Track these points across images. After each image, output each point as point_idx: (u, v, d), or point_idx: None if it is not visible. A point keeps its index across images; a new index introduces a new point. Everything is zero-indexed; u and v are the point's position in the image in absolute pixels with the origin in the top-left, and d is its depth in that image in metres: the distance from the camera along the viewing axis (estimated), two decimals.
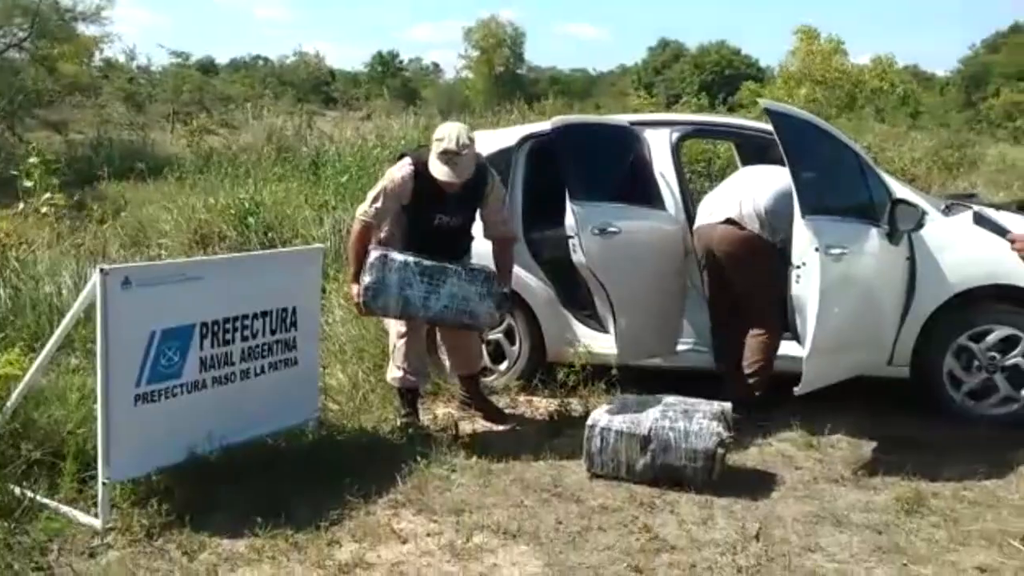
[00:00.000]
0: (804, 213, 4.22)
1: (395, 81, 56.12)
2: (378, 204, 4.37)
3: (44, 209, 7.73)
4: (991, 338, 4.82)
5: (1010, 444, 4.53)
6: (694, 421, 4.09)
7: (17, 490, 3.69)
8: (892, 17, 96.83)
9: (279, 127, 17.06)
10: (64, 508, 3.69)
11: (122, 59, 31.38)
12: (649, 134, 5.29)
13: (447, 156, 4.23)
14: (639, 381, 4.89)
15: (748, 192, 4.80)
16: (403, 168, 4.38)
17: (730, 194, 4.92)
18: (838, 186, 4.68)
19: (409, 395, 4.70)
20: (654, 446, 4.07)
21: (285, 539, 3.53)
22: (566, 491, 4.02)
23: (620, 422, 4.15)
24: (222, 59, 69.63)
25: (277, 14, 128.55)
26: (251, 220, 9.09)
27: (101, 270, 3.47)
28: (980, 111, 38.11)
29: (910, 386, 5.00)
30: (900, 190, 4.92)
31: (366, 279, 4.28)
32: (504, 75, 55.90)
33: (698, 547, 3.56)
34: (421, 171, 4.32)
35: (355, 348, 5.73)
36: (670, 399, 4.30)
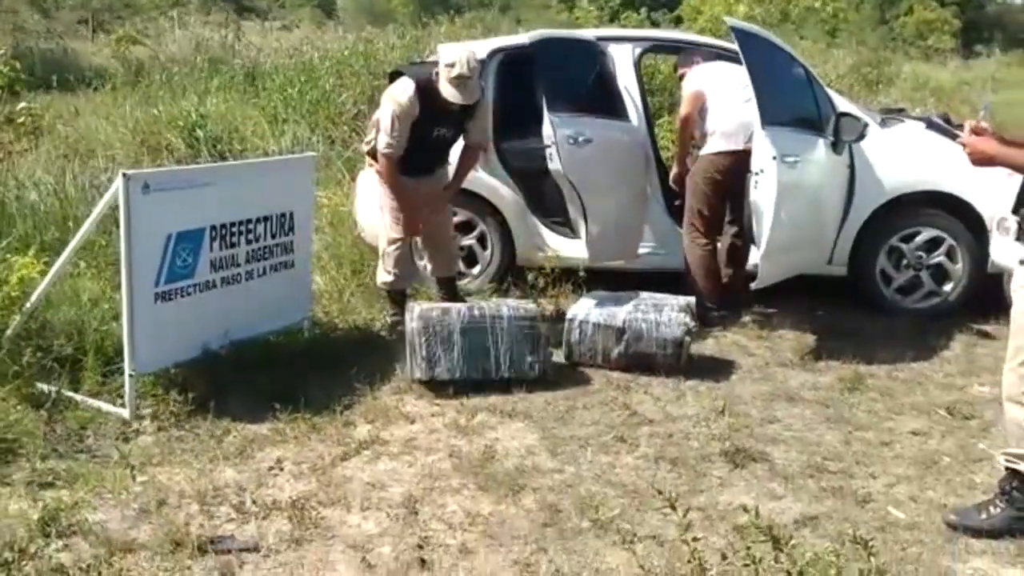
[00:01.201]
0: (764, 124, 4.62)
1: None
2: (396, 132, 4.53)
3: (22, 119, 7.62)
4: (919, 239, 5.37)
5: (934, 333, 5.14)
6: (663, 313, 4.53)
7: (44, 386, 3.93)
8: None
9: (206, 38, 16.64)
10: (90, 400, 3.94)
11: None
12: (613, 49, 5.60)
13: (459, 80, 4.43)
14: (602, 282, 5.29)
15: None
16: (407, 89, 4.53)
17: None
18: (792, 100, 5.08)
19: (399, 297, 5.02)
20: (628, 336, 4.51)
21: (304, 421, 3.88)
22: (550, 377, 4.43)
23: (597, 315, 4.57)
24: None
25: None
26: (199, 132, 9.10)
27: (124, 175, 3.67)
28: (894, 29, 39.05)
29: (847, 283, 5.53)
30: (844, 104, 5.37)
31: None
32: None
33: (672, 420, 4.04)
34: (423, 88, 4.51)
35: (331, 255, 6.00)
36: (642, 294, 4.73)
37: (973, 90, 17.42)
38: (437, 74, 4.52)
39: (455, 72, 4.43)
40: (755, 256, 4.88)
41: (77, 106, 10.89)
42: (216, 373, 4.16)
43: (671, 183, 5.61)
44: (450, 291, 5.29)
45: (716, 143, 5.15)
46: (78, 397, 3.95)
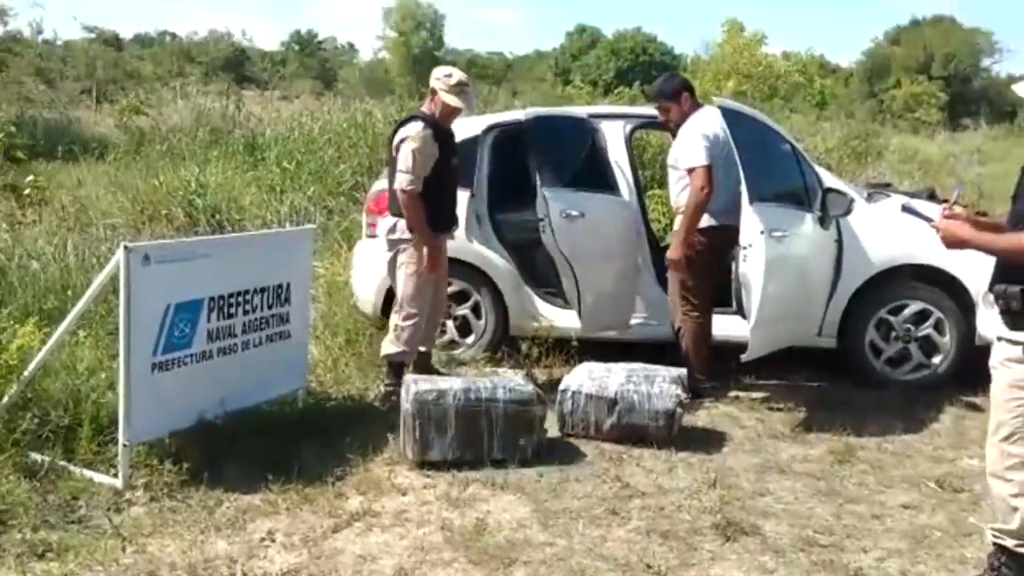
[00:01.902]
0: (752, 200, 4.74)
1: (312, 61, 55.47)
2: (416, 169, 4.74)
3: (28, 191, 7.75)
4: (907, 312, 5.46)
5: (923, 405, 5.18)
6: (655, 385, 4.58)
7: (37, 456, 3.94)
8: (800, 8, 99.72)
9: (207, 108, 16.95)
10: (83, 470, 3.95)
11: (27, 33, 30.37)
12: (605, 126, 5.75)
13: (460, 87, 4.79)
14: (594, 352, 5.34)
15: None
16: (422, 129, 4.78)
17: None
18: (779, 176, 5.21)
19: (400, 368, 5.05)
20: (620, 407, 4.54)
21: (296, 492, 3.89)
22: (540, 447, 4.44)
23: (589, 386, 4.61)
24: (125, 34, 67.47)
25: None
26: (198, 202, 9.24)
27: (125, 247, 3.75)
28: (883, 102, 39.93)
29: (837, 354, 5.59)
30: (830, 179, 5.50)
31: None
32: (422, 57, 55.80)
33: (664, 493, 4.06)
34: (430, 122, 4.82)
35: (326, 324, 6.06)
36: (633, 365, 4.77)
37: (960, 162, 17.75)
38: (433, 96, 4.83)
39: (455, 80, 4.78)
40: (745, 329, 4.94)
41: (79, 175, 11.03)
42: (210, 442, 4.18)
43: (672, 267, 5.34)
44: (427, 364, 5.30)
45: (713, 217, 5.17)
46: (71, 467, 3.96)
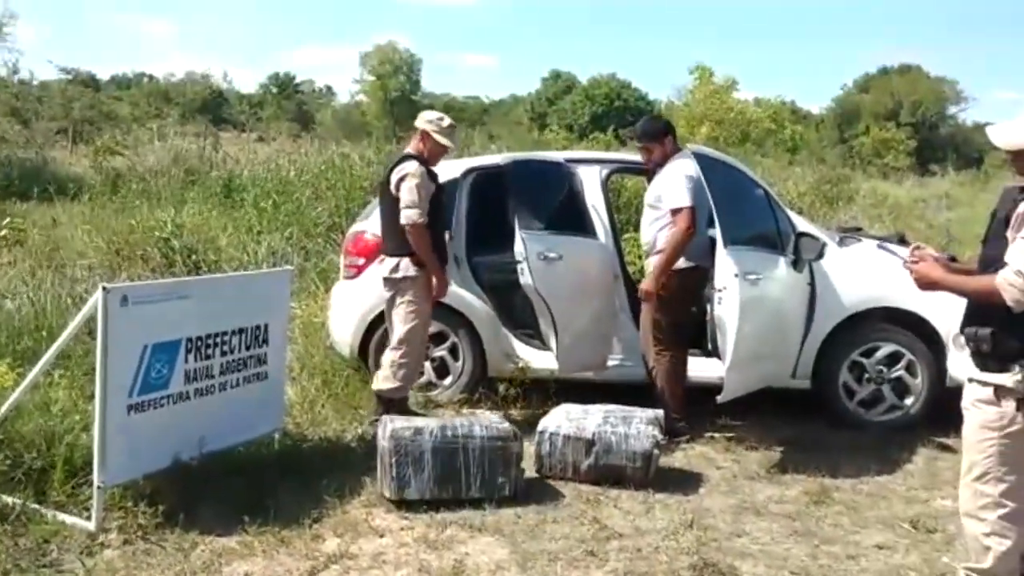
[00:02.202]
0: (726, 244, 4.81)
1: (290, 103, 55.72)
2: (420, 202, 4.94)
3: (3, 232, 7.71)
4: (879, 354, 5.53)
5: (896, 446, 5.23)
6: (632, 426, 4.61)
7: (8, 499, 3.89)
8: (771, 56, 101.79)
9: (184, 149, 16.98)
10: (55, 513, 3.90)
11: (3, 72, 30.26)
12: (582, 170, 5.84)
13: (451, 129, 5.15)
14: (572, 394, 5.35)
15: None
16: (418, 167, 5.01)
17: None
18: (753, 220, 5.30)
19: (390, 404, 5.12)
20: (598, 448, 4.56)
21: (273, 535, 3.87)
22: (520, 490, 4.44)
23: (567, 427, 4.62)
24: (102, 75, 67.49)
25: (160, 29, 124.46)
26: (175, 242, 9.22)
27: (103, 288, 3.74)
28: (852, 147, 40.67)
29: (811, 396, 5.65)
30: (802, 224, 5.60)
31: None
32: (399, 101, 56.28)
33: (642, 534, 4.06)
34: (422, 161, 5.06)
35: (302, 366, 6.05)
36: (609, 407, 4.80)
37: (929, 207, 18.07)
38: (423, 138, 5.08)
39: (446, 123, 5.13)
40: (720, 370, 4.99)
41: (55, 215, 10.99)
42: (186, 484, 4.15)
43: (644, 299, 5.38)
44: (404, 404, 5.33)
45: (688, 258, 5.18)
46: (43, 510, 3.90)
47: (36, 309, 5.76)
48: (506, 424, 4.45)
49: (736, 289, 4.77)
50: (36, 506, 3.92)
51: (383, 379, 5.12)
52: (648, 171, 5.55)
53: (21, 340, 5.25)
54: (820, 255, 5.28)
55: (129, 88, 66.29)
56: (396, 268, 5.06)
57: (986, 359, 3.07)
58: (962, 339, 3.22)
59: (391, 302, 5.13)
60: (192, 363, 4.21)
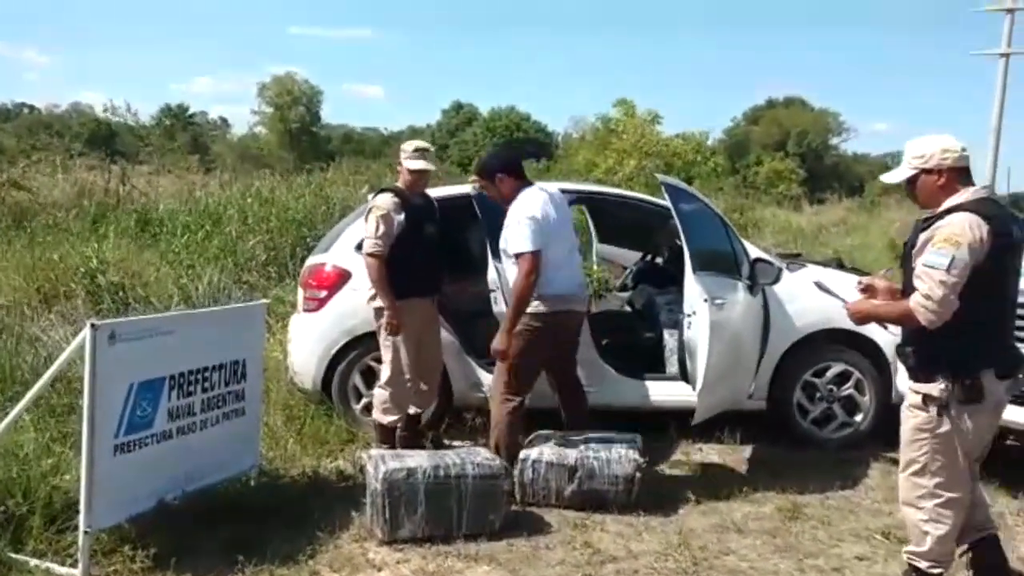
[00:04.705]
0: (695, 269, 4.97)
1: (185, 135, 54.27)
2: (380, 234, 4.98)
3: None
4: (829, 374, 5.80)
5: (854, 461, 5.48)
6: (613, 451, 4.69)
7: None
8: (664, 83, 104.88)
9: (90, 182, 16.37)
10: (37, 562, 3.73)
11: None
12: None
13: (420, 152, 5.21)
14: (536, 420, 5.38)
15: None
16: (389, 199, 5.07)
17: None
18: (715, 247, 5.48)
19: (391, 433, 5.23)
20: (581, 474, 4.63)
21: (270, 573, 3.79)
22: (506, 519, 4.45)
23: (549, 454, 4.68)
24: None
25: (40, 60, 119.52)
26: (101, 279, 8.89)
27: (92, 325, 3.62)
28: (746, 177, 42.22)
29: (766, 416, 5.86)
30: (754, 250, 5.83)
31: None
32: (299, 132, 55.61)
33: (636, 556, 4.15)
34: (399, 192, 5.13)
35: (263, 402, 5.91)
36: (588, 433, 4.87)
37: (830, 233, 18.93)
38: (400, 170, 5.21)
39: (415, 146, 5.24)
40: (690, 393, 5.13)
41: None
42: (171, 525, 4.02)
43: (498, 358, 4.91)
44: (414, 430, 5.36)
45: (548, 303, 4.81)
46: (24, 558, 3.72)
47: None
48: (497, 461, 4.45)
49: (706, 313, 4.92)
50: (15, 555, 3.73)
51: (378, 411, 5.22)
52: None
53: None
54: (776, 280, 5.51)
55: (8, 120, 63.46)
56: (373, 297, 5.10)
57: (915, 371, 3.53)
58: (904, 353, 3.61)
59: (377, 330, 5.19)
60: (175, 400, 4.11)
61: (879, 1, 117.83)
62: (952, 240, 3.22)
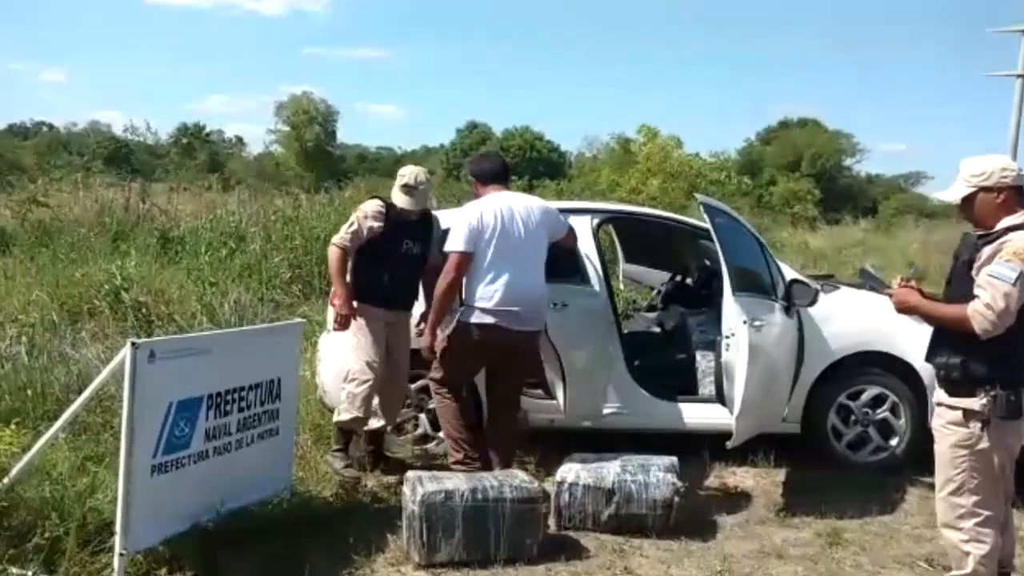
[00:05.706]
0: (734, 291, 4.92)
1: (202, 154, 54.69)
2: (351, 230, 5.03)
3: None
4: (864, 397, 5.72)
5: (891, 486, 5.39)
6: (651, 474, 4.62)
7: (16, 570, 3.65)
8: (678, 103, 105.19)
9: (110, 200, 16.44)
10: None
11: None
12: (574, 220, 5.87)
13: (407, 188, 5.06)
14: (544, 441, 5.41)
15: None
16: (374, 204, 5.12)
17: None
18: (753, 268, 5.43)
19: (350, 435, 5.18)
20: (618, 498, 4.56)
21: None
22: (543, 544, 4.38)
23: (586, 477, 4.61)
24: None
25: (58, 79, 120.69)
26: (125, 296, 8.89)
27: (133, 344, 3.59)
28: (760, 197, 42.07)
29: (801, 440, 5.77)
30: (791, 272, 5.77)
31: None
32: (314, 151, 55.88)
33: None
34: (388, 204, 5.10)
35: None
36: (625, 455, 4.81)
37: (850, 254, 18.80)
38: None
39: (402, 182, 5.08)
40: (725, 416, 5.07)
41: None
42: (205, 547, 3.97)
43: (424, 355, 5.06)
44: (379, 442, 5.34)
45: (481, 314, 4.83)
46: None
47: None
48: (535, 484, 4.38)
49: (745, 335, 4.86)
50: None
51: (340, 410, 5.14)
52: None
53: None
54: (813, 301, 5.44)
55: (27, 138, 64.07)
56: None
57: (956, 385, 3.48)
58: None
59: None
60: (212, 420, 4.07)
61: (894, 23, 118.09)
62: (1022, 255, 3.25)
